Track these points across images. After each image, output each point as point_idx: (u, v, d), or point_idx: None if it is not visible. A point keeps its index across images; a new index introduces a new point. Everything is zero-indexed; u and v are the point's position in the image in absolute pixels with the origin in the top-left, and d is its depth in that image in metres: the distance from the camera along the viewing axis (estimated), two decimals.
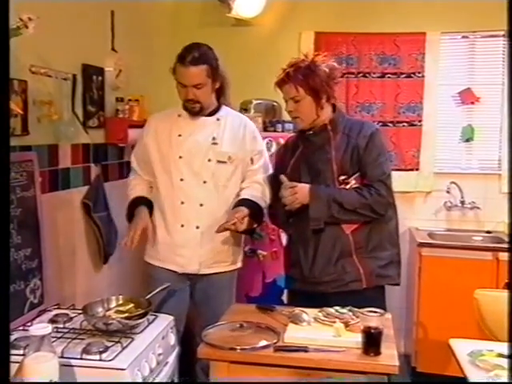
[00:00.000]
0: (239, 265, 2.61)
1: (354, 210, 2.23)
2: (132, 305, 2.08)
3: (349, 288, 2.26)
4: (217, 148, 2.42)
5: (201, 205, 2.41)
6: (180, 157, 2.41)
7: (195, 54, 2.32)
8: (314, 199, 2.24)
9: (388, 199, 2.28)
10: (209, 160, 2.41)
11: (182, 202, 2.41)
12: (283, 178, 2.31)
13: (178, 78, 2.36)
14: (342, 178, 2.27)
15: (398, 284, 2.38)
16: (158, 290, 2.19)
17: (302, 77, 2.26)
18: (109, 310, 2.06)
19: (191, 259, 2.44)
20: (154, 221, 2.48)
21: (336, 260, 2.27)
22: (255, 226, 2.47)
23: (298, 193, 2.25)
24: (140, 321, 1.97)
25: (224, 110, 2.52)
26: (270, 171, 2.59)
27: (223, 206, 2.44)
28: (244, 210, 2.35)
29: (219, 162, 2.42)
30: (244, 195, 2.45)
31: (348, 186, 2.27)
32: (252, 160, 2.52)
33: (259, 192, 2.49)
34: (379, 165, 2.27)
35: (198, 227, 2.41)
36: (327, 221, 2.25)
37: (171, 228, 2.44)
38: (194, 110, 2.41)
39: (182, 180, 2.41)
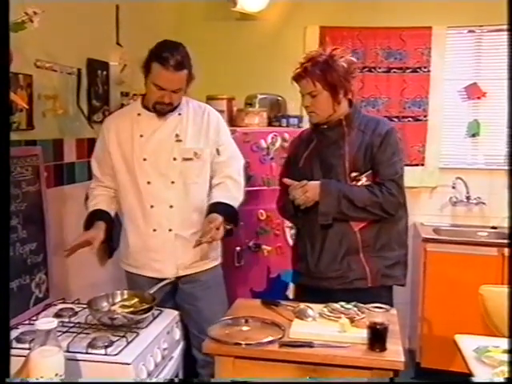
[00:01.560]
0: (220, 260, 2.53)
1: (364, 207, 2.20)
2: (137, 299, 2.08)
3: (353, 286, 2.25)
4: (181, 145, 2.32)
5: (171, 206, 2.31)
6: (144, 159, 2.30)
7: (178, 57, 2.18)
8: (324, 194, 2.22)
9: (399, 199, 2.25)
10: (174, 159, 2.31)
11: (152, 206, 2.31)
12: (287, 181, 2.29)
13: (155, 79, 2.21)
14: (354, 174, 2.25)
15: (403, 285, 2.36)
16: (161, 284, 2.18)
17: (320, 72, 2.22)
18: (113, 304, 2.06)
19: (167, 263, 2.35)
20: (124, 227, 2.40)
21: (342, 257, 2.26)
22: (230, 227, 2.36)
23: (309, 191, 2.23)
24: (145, 315, 1.97)
25: (184, 102, 2.39)
26: (242, 161, 2.51)
27: (194, 204, 2.35)
28: (218, 219, 2.24)
29: (185, 159, 2.32)
30: (217, 198, 2.34)
31: (359, 183, 2.25)
32: (218, 151, 2.40)
33: (232, 189, 2.40)
34: (392, 164, 2.24)
35: (170, 230, 2.32)
36: (336, 217, 2.23)
37: (143, 233, 2.34)
38: (164, 111, 2.30)
39: (149, 183, 2.30)
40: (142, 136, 2.32)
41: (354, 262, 2.25)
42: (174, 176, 2.32)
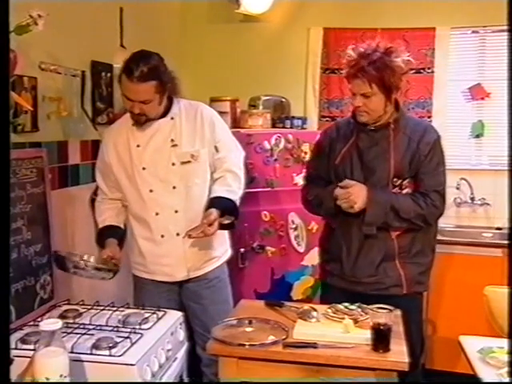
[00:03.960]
0: (229, 253, 2.56)
1: (409, 219, 2.17)
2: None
3: (389, 292, 2.22)
4: (177, 149, 2.32)
5: (176, 211, 2.32)
6: (144, 168, 2.31)
7: (144, 68, 2.15)
8: (372, 204, 2.16)
9: (442, 211, 2.22)
10: (173, 164, 2.32)
11: (157, 213, 2.32)
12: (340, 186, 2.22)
13: (123, 90, 2.23)
14: (396, 180, 2.19)
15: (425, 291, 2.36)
16: None
17: (377, 72, 2.11)
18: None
19: (178, 267, 2.37)
20: (132, 233, 2.42)
21: (379, 263, 2.23)
22: (232, 220, 2.35)
23: (354, 195, 2.17)
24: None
25: (176, 105, 2.38)
26: (242, 153, 2.49)
27: (197, 205, 2.34)
28: (212, 214, 2.24)
29: (183, 163, 2.32)
30: (215, 192, 2.35)
31: (402, 191, 2.20)
32: (216, 148, 2.39)
33: (232, 182, 2.39)
34: (437, 174, 2.20)
35: (178, 234, 2.33)
36: (379, 226, 2.20)
37: (151, 240, 2.36)
38: (140, 121, 2.29)
39: (151, 191, 2.32)
40: (138, 146, 2.33)
41: (390, 268, 2.23)
42: (175, 181, 2.32)
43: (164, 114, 2.34)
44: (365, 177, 2.23)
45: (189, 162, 2.33)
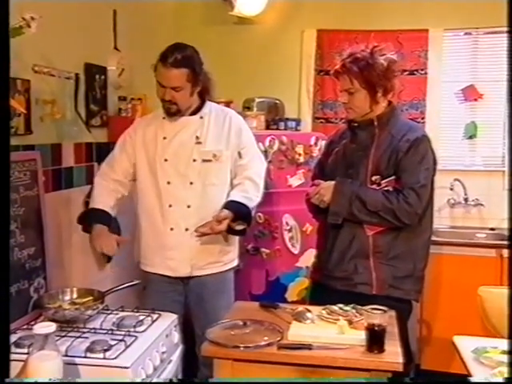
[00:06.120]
0: (235, 263, 2.57)
1: (376, 212, 2.14)
2: (91, 297, 2.14)
3: (357, 290, 2.22)
4: (200, 147, 2.38)
5: (188, 206, 2.37)
6: (165, 159, 2.38)
7: (178, 55, 2.26)
8: (336, 193, 2.20)
9: (416, 209, 2.15)
10: (194, 160, 2.37)
11: (170, 205, 2.37)
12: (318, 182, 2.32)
13: (157, 77, 2.32)
14: (375, 177, 2.19)
15: (414, 300, 2.33)
16: (121, 287, 2.22)
17: (358, 69, 2.18)
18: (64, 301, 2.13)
19: (182, 262, 2.40)
20: (140, 226, 2.47)
21: (350, 258, 2.23)
22: (244, 227, 2.40)
23: (323, 190, 2.24)
24: (88, 312, 2.01)
25: (207, 106, 2.46)
26: (264, 165, 2.55)
27: (211, 205, 2.37)
28: (223, 212, 2.30)
29: (204, 160, 2.37)
30: (231, 196, 2.39)
31: (378, 188, 2.18)
32: (240, 154, 2.45)
33: (249, 189, 2.42)
34: (416, 172, 2.16)
35: (187, 229, 2.37)
36: (348, 218, 2.20)
37: (161, 232, 2.41)
38: (171, 110, 2.36)
39: (168, 183, 2.38)
40: (165, 138, 2.41)
41: (361, 265, 2.22)
42: (193, 177, 2.37)
43: (194, 113, 2.42)
44: (344, 173, 2.27)
45: (210, 160, 2.38)
